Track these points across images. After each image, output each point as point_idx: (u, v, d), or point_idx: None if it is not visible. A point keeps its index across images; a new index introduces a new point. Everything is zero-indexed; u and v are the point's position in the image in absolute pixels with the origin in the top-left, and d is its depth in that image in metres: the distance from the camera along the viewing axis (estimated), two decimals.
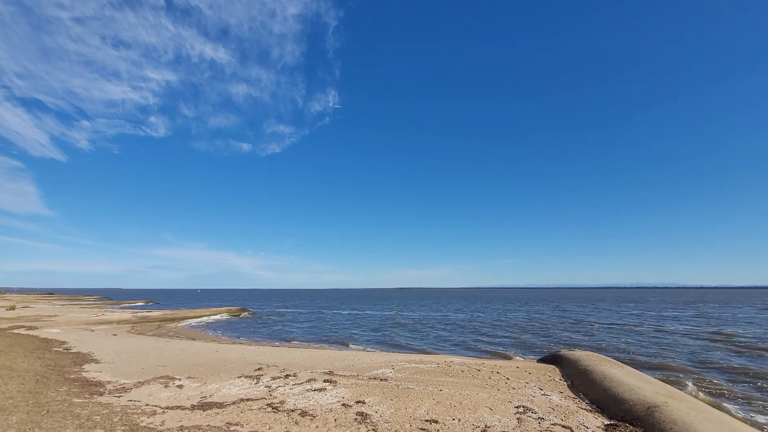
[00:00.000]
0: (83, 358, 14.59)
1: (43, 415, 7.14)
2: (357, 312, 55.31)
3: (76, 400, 8.51)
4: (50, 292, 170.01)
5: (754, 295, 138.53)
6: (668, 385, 11.21)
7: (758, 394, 12.45)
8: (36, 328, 25.46)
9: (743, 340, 24.13)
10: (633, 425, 7.80)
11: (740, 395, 12.31)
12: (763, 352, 19.58)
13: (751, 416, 10.31)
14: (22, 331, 22.99)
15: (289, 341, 25.85)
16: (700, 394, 12.29)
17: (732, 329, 29.51)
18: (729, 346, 21.61)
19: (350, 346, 23.78)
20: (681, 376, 14.83)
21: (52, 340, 19.52)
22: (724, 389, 13.01)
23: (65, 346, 17.60)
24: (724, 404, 11.26)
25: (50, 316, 37.34)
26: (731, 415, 9.82)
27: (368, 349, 22.33)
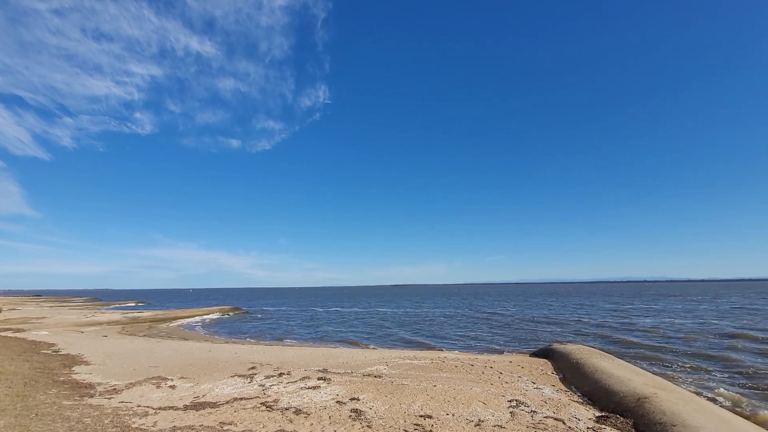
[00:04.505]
0: (73, 360, 14.36)
1: (32, 419, 7.02)
2: (349, 309, 55.33)
3: (65, 402, 8.38)
4: (38, 294, 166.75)
5: (732, 287, 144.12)
6: (657, 377, 11.43)
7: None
8: (24, 330, 24.99)
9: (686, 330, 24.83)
10: (623, 416, 7.94)
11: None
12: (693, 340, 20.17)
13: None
14: (9, 334, 22.54)
15: (282, 340, 25.77)
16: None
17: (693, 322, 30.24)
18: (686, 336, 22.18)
19: (343, 343, 23.79)
20: (670, 367, 15.16)
21: (40, 342, 19.18)
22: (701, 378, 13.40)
23: (54, 348, 17.31)
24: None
25: (38, 318, 36.67)
26: (719, 405, 10.05)
27: (361, 345, 22.38)
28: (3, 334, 22.61)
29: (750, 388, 12.32)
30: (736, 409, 10.16)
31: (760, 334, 22.77)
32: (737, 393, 11.72)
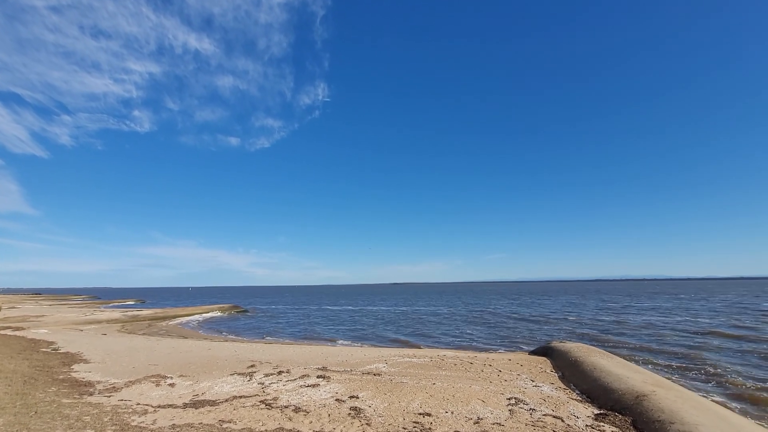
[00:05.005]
0: (72, 359, 14.36)
1: (31, 417, 7.02)
2: (343, 308, 55.34)
3: (65, 400, 8.38)
4: (37, 292, 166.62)
5: (729, 285, 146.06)
6: (656, 375, 11.48)
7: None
8: (23, 328, 24.97)
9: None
10: (622, 414, 7.96)
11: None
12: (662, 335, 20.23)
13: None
14: (9, 332, 22.53)
15: (281, 338, 25.79)
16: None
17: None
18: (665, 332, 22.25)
19: (343, 341, 23.81)
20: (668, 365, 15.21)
21: (39, 340, 19.17)
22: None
23: (53, 346, 17.30)
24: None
25: (37, 316, 36.64)
26: (717, 402, 10.10)
27: (361, 344, 22.39)
28: (2, 332, 22.59)
29: (742, 385, 12.37)
30: (731, 406, 10.22)
31: (752, 333, 22.90)
32: (731, 391, 11.78)
